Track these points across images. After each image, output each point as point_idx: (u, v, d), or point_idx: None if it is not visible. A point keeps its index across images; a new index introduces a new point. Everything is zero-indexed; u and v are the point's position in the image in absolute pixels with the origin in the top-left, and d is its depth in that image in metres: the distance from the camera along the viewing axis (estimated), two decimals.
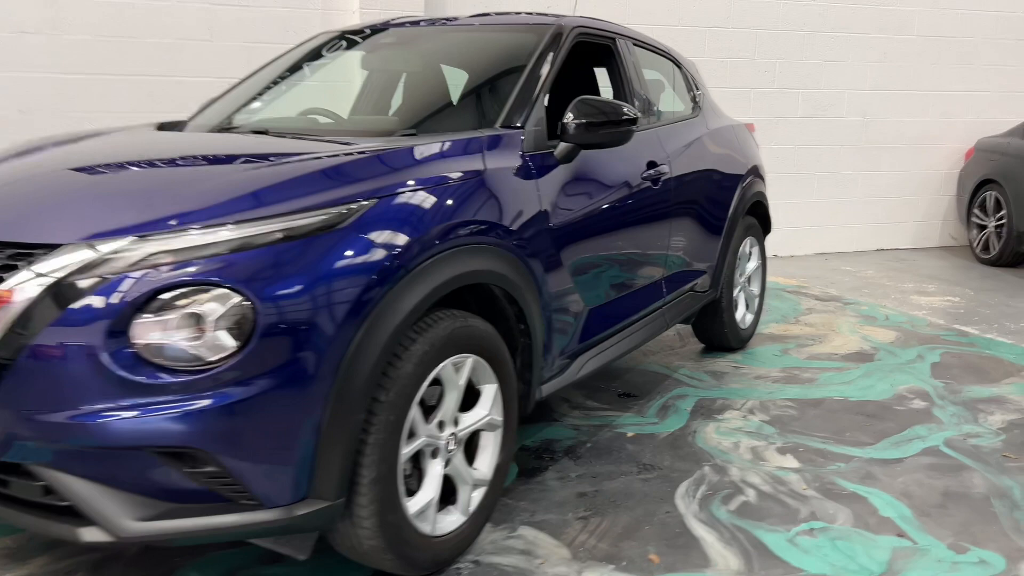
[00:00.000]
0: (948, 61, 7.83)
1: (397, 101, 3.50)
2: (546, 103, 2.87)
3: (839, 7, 7.38)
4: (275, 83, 3.39)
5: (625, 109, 2.84)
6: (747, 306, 4.61)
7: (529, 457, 3.12)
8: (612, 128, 2.80)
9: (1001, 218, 7.10)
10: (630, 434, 3.34)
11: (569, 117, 2.76)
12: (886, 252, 7.87)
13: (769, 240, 7.95)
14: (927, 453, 3.21)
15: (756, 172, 4.53)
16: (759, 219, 4.66)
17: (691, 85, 4.28)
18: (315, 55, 3.48)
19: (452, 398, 2.29)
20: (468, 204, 2.31)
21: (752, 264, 4.60)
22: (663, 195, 3.43)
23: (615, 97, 3.53)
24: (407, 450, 2.11)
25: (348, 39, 3.51)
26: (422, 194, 2.17)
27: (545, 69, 2.94)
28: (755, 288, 4.68)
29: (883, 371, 4.20)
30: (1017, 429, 3.46)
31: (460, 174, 2.34)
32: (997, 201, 7.18)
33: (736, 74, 7.18)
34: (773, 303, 5.68)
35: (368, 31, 3.49)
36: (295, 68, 3.43)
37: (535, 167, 2.66)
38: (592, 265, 2.95)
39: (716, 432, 3.37)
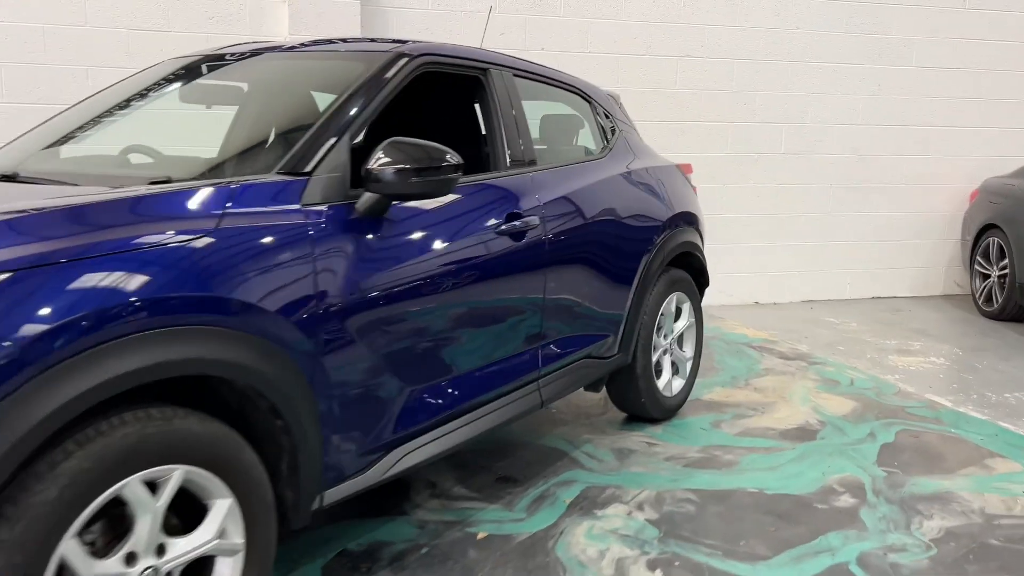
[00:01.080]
0: (950, 94, 7.20)
1: (222, 139, 3.05)
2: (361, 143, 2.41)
3: (827, 36, 6.81)
4: (98, 117, 2.97)
5: (448, 156, 2.36)
6: (676, 370, 4.06)
7: (343, 567, 2.60)
8: (430, 176, 2.31)
9: (1004, 267, 6.43)
10: (481, 535, 2.81)
11: (374, 162, 2.28)
12: (881, 301, 7.22)
13: (749, 287, 7.45)
14: (831, 575, 2.63)
15: (686, 220, 4.00)
16: (692, 272, 4.12)
17: (602, 122, 3.77)
18: (149, 85, 3.05)
19: (145, 523, 1.79)
20: (172, 274, 1.82)
21: (682, 323, 4.05)
22: (533, 250, 2.92)
23: (485, 138, 3.05)
24: None
25: (189, 68, 3.07)
26: (92, 262, 1.70)
27: (357, 104, 2.46)
28: (688, 350, 4.12)
29: (820, 454, 3.61)
30: (953, 541, 2.86)
31: (169, 235, 1.86)
32: (1001, 249, 6.52)
33: (711, 106, 6.64)
34: (729, 360, 5.10)
35: (206, 60, 3.06)
36: (123, 98, 3.00)
37: (318, 223, 2.18)
38: (413, 340, 2.45)
39: (586, 535, 2.83)
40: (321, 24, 5.50)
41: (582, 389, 3.64)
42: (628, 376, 3.75)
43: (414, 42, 2.87)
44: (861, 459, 3.56)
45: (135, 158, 2.89)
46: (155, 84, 3.02)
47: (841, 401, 4.35)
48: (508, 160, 3.01)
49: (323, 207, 2.23)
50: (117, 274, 1.73)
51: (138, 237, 1.81)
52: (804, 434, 3.85)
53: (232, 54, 3.07)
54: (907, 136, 7.18)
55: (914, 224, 7.37)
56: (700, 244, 4.16)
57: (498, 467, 3.38)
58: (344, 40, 3.04)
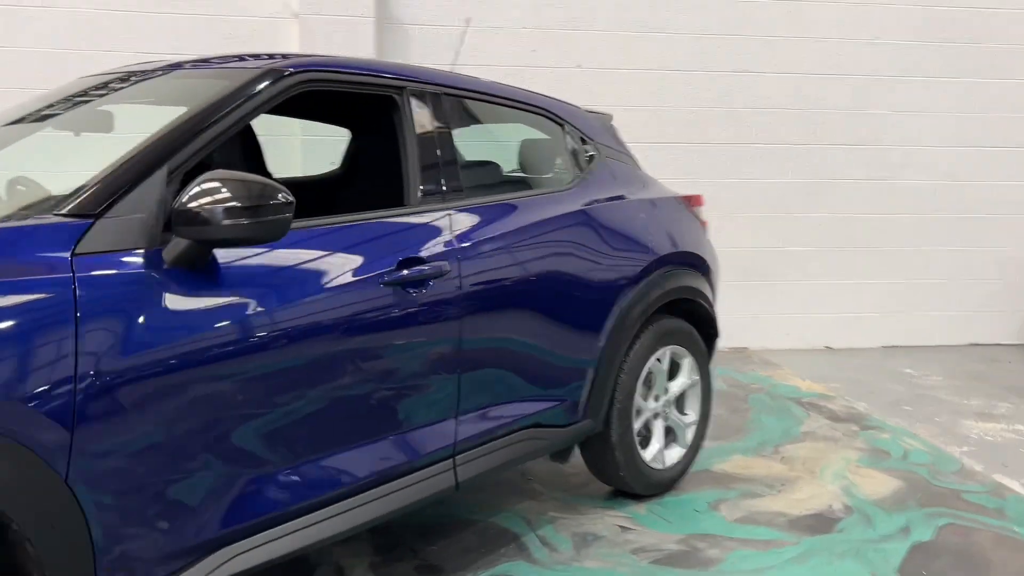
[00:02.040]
0: None
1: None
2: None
3: (914, 48, 5.99)
4: None
5: (280, 194, 1.92)
6: (674, 438, 3.45)
7: None
8: (251, 218, 1.88)
9: None
10: None
11: (184, 200, 1.87)
12: (978, 349, 6.27)
13: (819, 329, 6.58)
14: None
15: (684, 260, 3.40)
16: (696, 322, 3.51)
17: (575, 147, 3.24)
18: (49, 104, 2.75)
19: None
20: None
21: (679, 382, 3.44)
22: (439, 303, 2.42)
23: (400, 168, 2.59)
24: None
25: (93, 89, 2.76)
26: None
27: (187, 131, 2.06)
28: (690, 413, 3.50)
29: (829, 554, 2.93)
30: None
31: None
32: None
33: (771, 128, 5.94)
34: (765, 420, 4.41)
35: (110, 79, 2.74)
36: (24, 120, 2.72)
37: (95, 278, 1.77)
38: (242, 418, 2.00)
39: None
40: (332, 42, 5.19)
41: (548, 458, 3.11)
42: (602, 445, 3.18)
43: (301, 56, 2.45)
44: (880, 564, 2.86)
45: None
46: (53, 104, 2.72)
47: (882, 480, 3.61)
48: (419, 194, 2.54)
49: (114, 257, 1.83)
50: None
51: None
52: (820, 524, 3.17)
53: (140, 72, 2.73)
54: (1010, 159, 6.23)
55: (1020, 260, 6.38)
56: (706, 289, 3.54)
57: (427, 552, 2.88)
58: (251, 57, 2.64)
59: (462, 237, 2.56)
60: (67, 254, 1.76)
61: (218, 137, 2.12)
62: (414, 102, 2.62)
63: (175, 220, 1.88)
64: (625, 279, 3.10)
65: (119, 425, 1.77)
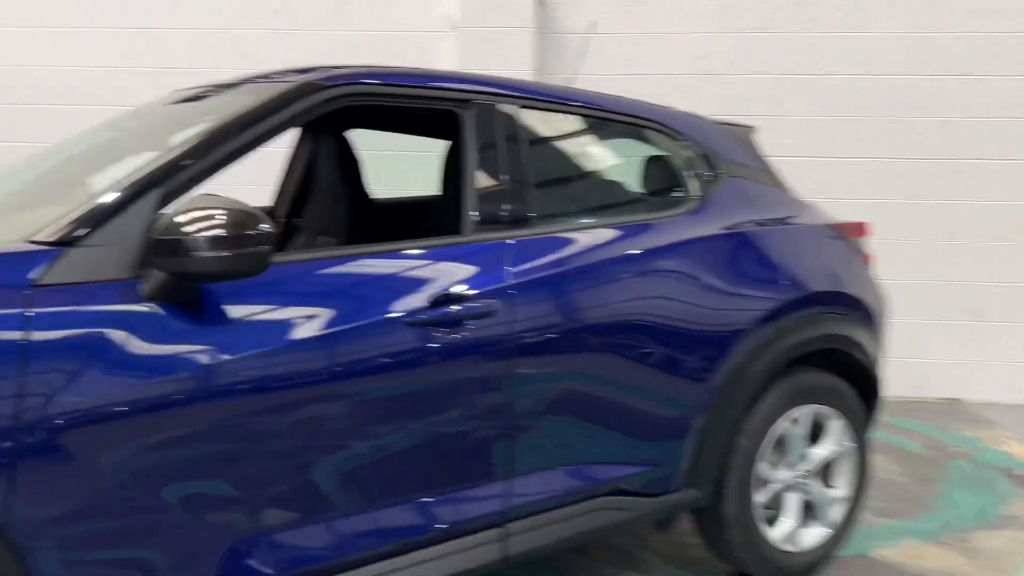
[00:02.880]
0: None
1: None
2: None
3: None
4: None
5: (260, 224, 1.69)
6: (815, 515, 2.86)
7: None
8: (220, 250, 1.65)
9: None
10: None
11: (159, 228, 1.68)
12: None
13: None
14: None
15: (834, 301, 2.82)
16: (851, 377, 2.89)
17: (696, 165, 2.75)
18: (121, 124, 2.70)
19: None
20: None
21: (824, 449, 2.84)
22: (483, 345, 2.08)
23: (457, 192, 2.28)
24: None
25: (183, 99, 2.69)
26: None
27: (190, 152, 1.87)
28: (840, 487, 2.88)
29: None
30: None
31: None
32: None
33: (991, 139, 5.00)
34: (957, 495, 3.64)
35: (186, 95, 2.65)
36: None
37: (54, 312, 1.61)
38: (225, 467, 1.78)
39: None
40: (491, 56, 4.98)
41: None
42: (714, 520, 2.68)
43: (347, 67, 2.21)
44: None
45: None
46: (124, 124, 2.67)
47: None
48: (474, 221, 2.22)
49: (83, 289, 1.66)
50: None
51: None
52: None
53: (207, 88, 2.62)
54: None
55: None
56: (865, 337, 2.91)
57: None
58: (298, 71, 2.45)
59: (522, 272, 2.19)
60: (24, 286, 1.61)
61: (228, 157, 1.92)
62: (479, 117, 2.29)
63: (148, 250, 1.69)
64: (744, 323, 2.58)
65: (64, 483, 1.60)
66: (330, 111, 2.12)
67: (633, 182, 2.74)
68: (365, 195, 3.12)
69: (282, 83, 2.12)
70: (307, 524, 1.91)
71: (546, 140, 2.53)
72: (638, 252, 2.43)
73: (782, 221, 2.87)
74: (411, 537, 2.04)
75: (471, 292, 2.09)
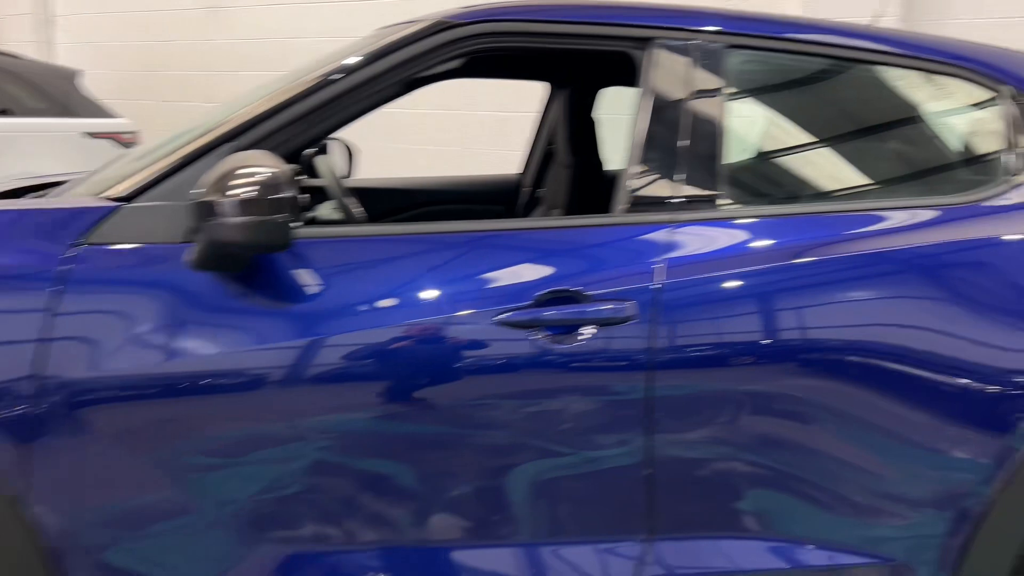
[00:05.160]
0: None
1: None
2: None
3: None
4: None
5: (284, 189, 1.41)
6: None
7: None
8: (237, 218, 1.41)
9: None
10: None
11: (194, 192, 1.49)
12: None
13: None
14: None
15: None
16: None
17: (1014, 133, 1.84)
18: None
19: None
20: None
21: None
22: (609, 359, 1.58)
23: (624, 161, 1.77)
24: None
25: None
26: None
27: (273, 104, 1.64)
28: None
29: None
30: None
31: None
32: None
33: None
34: None
35: None
36: None
37: (90, 274, 1.50)
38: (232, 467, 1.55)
39: None
40: None
41: None
42: None
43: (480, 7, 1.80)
44: None
45: None
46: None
47: None
48: (628, 198, 1.69)
49: (129, 251, 1.54)
50: None
51: None
52: None
53: None
54: None
55: None
56: None
57: None
58: None
59: (678, 267, 1.62)
60: (67, 245, 1.52)
61: (323, 109, 1.66)
62: (664, 59, 1.74)
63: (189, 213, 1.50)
64: None
65: (77, 450, 1.49)
66: (470, 54, 1.76)
67: (897, 150, 1.94)
68: (598, 165, 2.70)
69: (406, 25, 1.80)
70: (371, 547, 1.61)
71: (768, 90, 1.88)
72: (894, 250, 1.68)
73: None
74: None
75: (600, 289, 1.59)
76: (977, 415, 1.69)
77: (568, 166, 2.70)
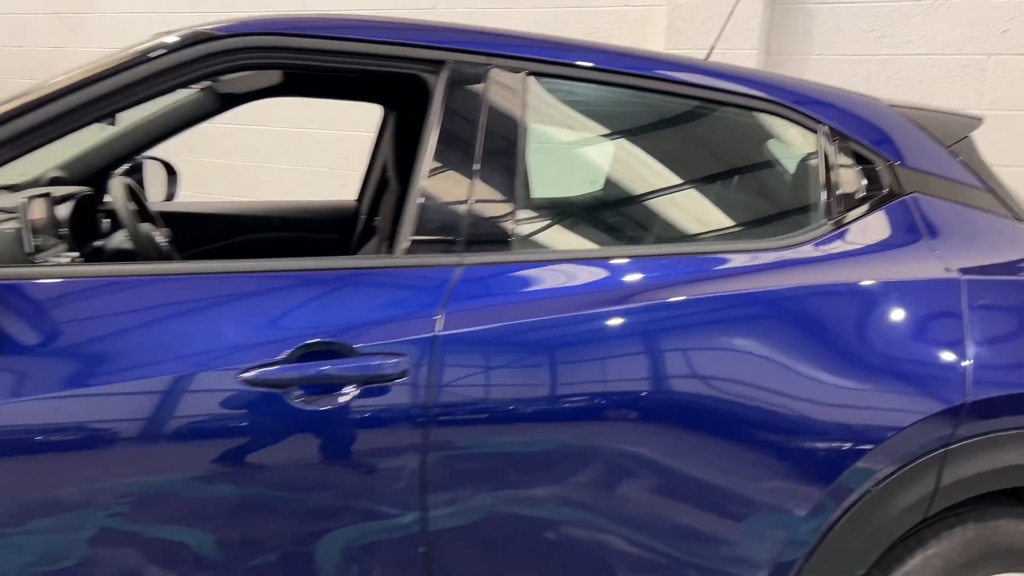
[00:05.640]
0: None
1: None
2: None
3: None
4: None
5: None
6: None
7: None
8: None
9: None
10: None
11: None
12: None
13: None
14: None
15: None
16: None
17: (835, 174, 1.74)
18: None
19: None
20: None
21: None
22: (391, 416, 1.38)
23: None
24: None
25: None
26: None
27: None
28: None
29: None
30: None
31: None
32: None
33: None
34: None
35: None
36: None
37: None
38: None
39: None
40: (703, 32, 4.09)
41: None
42: None
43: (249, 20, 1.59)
44: None
45: None
46: None
47: None
48: (409, 239, 1.51)
49: None
50: None
51: None
52: None
53: None
54: None
55: None
56: None
57: None
58: None
59: (458, 314, 1.44)
60: None
61: (52, 123, 1.42)
62: (452, 85, 1.57)
63: None
64: (862, 439, 1.55)
65: None
66: (234, 69, 1.55)
67: (726, 191, 1.82)
68: None
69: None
70: None
71: (573, 122, 1.73)
72: (693, 298, 1.54)
73: (1012, 268, 1.77)
74: None
75: (368, 341, 1.40)
76: (795, 468, 1.56)
77: (399, 193, 2.51)
